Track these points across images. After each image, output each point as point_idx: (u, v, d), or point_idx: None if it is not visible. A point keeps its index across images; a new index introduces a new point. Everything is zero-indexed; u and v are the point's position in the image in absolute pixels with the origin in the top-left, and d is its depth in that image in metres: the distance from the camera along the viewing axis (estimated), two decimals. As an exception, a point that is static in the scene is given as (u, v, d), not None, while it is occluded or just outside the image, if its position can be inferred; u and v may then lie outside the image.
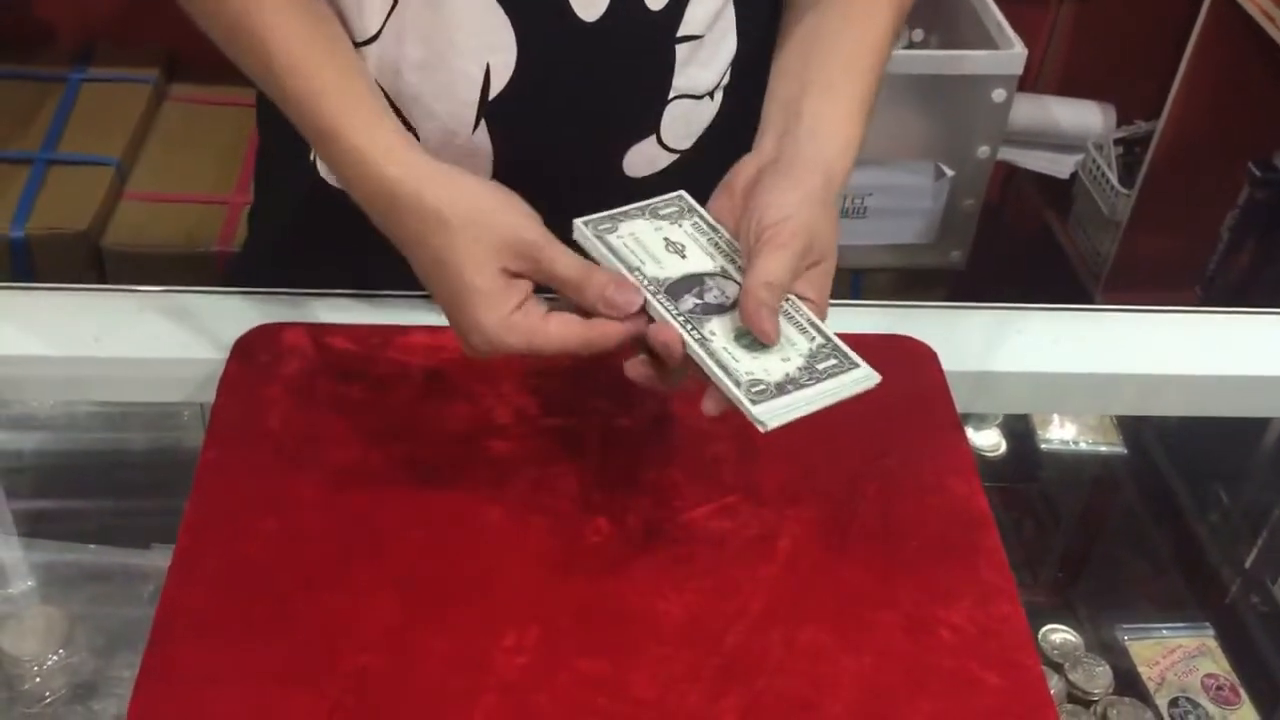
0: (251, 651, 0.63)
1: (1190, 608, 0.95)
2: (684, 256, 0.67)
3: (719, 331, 0.64)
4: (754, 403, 0.61)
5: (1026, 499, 1.02)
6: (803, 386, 0.62)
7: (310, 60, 0.69)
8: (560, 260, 0.65)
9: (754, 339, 0.63)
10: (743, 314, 0.63)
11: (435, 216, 0.65)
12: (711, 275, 0.66)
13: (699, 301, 0.65)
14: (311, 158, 0.83)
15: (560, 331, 0.65)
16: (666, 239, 0.68)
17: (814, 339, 0.64)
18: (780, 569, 0.68)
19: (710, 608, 0.66)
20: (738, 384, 0.61)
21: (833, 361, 0.63)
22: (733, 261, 0.67)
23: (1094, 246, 2.08)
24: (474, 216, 0.65)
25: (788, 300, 0.65)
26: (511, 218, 0.66)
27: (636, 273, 0.66)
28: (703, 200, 0.71)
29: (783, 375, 0.62)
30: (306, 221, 0.88)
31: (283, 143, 0.86)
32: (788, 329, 0.64)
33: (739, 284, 0.65)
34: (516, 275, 0.65)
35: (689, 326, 0.63)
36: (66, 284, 0.84)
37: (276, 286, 0.85)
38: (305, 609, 0.65)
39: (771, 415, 0.61)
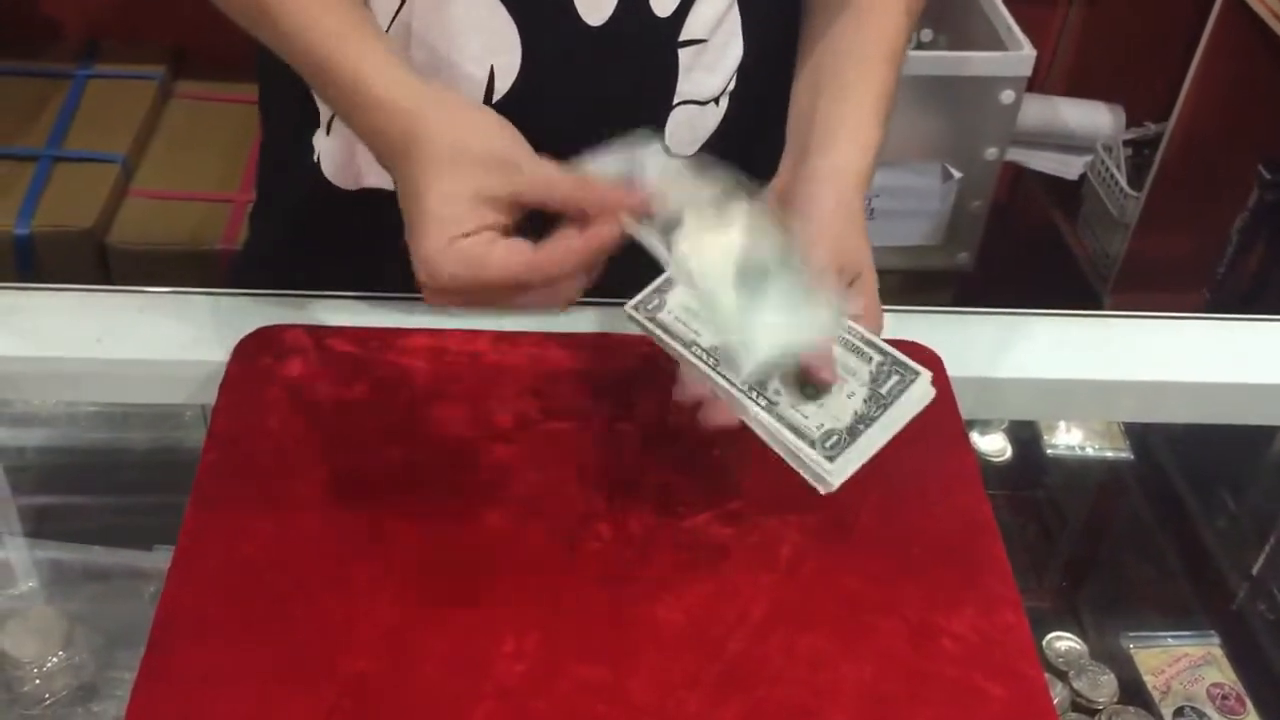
0: (250, 654, 0.63)
1: (1196, 615, 0.94)
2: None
3: (783, 387, 0.63)
4: (830, 459, 0.61)
5: (1031, 505, 1.02)
6: (872, 421, 0.62)
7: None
8: (544, 170, 0.62)
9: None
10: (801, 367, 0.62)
11: (422, 133, 0.63)
12: None
13: None
14: (315, 158, 0.82)
15: (503, 258, 0.60)
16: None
17: (871, 358, 0.63)
18: (782, 576, 0.68)
19: (711, 614, 0.66)
20: (813, 444, 0.61)
21: (895, 379, 0.63)
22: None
23: (1102, 248, 2.08)
24: (463, 136, 0.62)
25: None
26: (497, 138, 0.63)
27: (694, 348, 0.64)
28: None
29: (852, 415, 0.62)
30: (309, 221, 0.88)
31: (286, 142, 0.86)
32: (845, 357, 0.63)
33: None
34: (493, 201, 0.61)
35: (754, 395, 0.63)
36: (68, 284, 0.84)
37: (278, 287, 0.85)
38: (304, 612, 0.65)
39: (841, 472, 0.61)
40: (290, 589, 0.66)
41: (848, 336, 0.64)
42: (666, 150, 0.68)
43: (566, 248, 0.60)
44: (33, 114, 1.82)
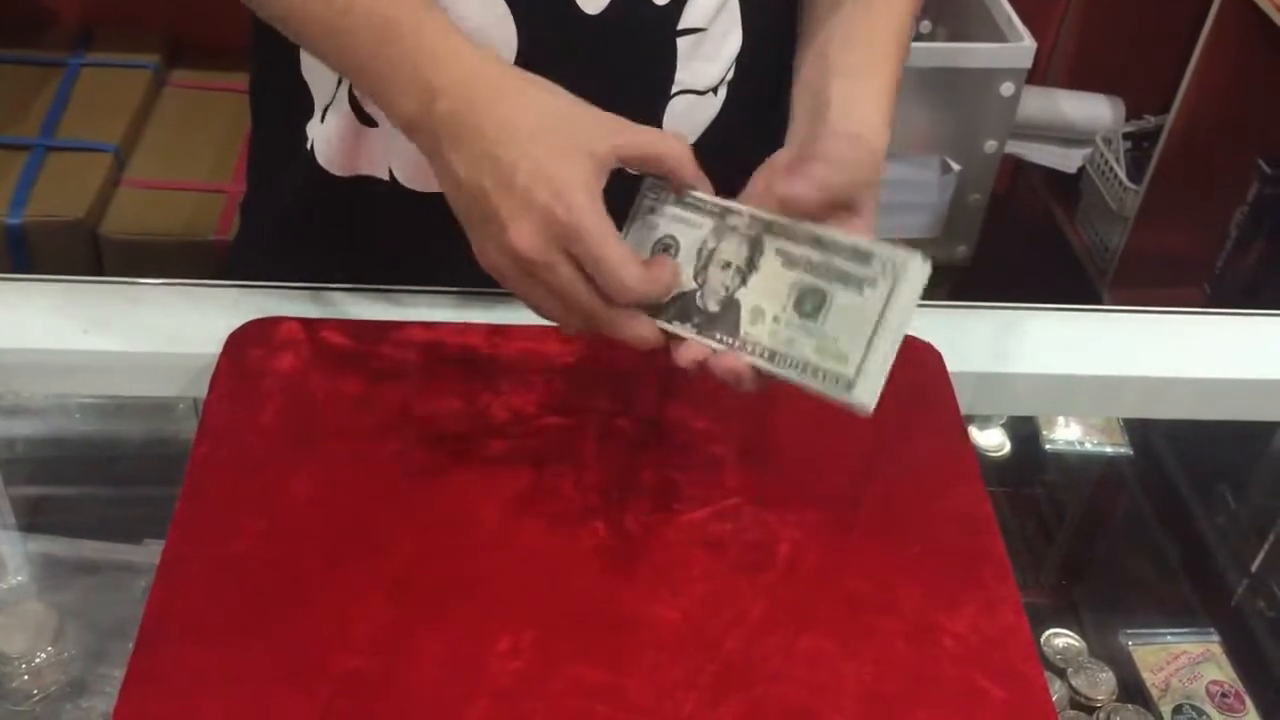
0: (241, 653, 0.62)
1: (1195, 613, 0.94)
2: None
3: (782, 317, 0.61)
4: (850, 388, 0.59)
5: (1030, 501, 1.01)
6: (882, 324, 0.59)
7: None
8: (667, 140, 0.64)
9: (806, 294, 0.61)
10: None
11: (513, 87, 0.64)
12: (726, 246, 0.64)
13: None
14: (309, 145, 0.81)
15: (621, 251, 0.60)
16: (663, 244, 0.66)
17: (859, 259, 0.60)
18: (780, 574, 0.67)
19: (709, 613, 0.65)
20: (836, 381, 0.59)
21: (888, 269, 0.60)
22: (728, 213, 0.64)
23: (1101, 242, 2.07)
24: (575, 126, 0.63)
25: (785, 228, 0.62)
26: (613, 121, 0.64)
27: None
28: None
29: (860, 323, 0.59)
30: (302, 211, 0.87)
31: (279, 130, 0.85)
32: (839, 265, 0.61)
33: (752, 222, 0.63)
34: (596, 156, 0.62)
35: (750, 348, 0.62)
36: (57, 275, 0.83)
37: (271, 278, 0.84)
38: (296, 610, 0.64)
39: (871, 394, 0.59)
40: (282, 586, 0.65)
41: (834, 241, 0.62)
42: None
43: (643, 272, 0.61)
44: (26, 102, 1.81)
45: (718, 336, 0.63)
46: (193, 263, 1.66)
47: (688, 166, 0.64)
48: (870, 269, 0.60)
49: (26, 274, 0.84)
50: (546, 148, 0.61)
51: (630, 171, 0.65)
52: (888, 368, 0.59)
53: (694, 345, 0.63)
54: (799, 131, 0.69)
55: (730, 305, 0.63)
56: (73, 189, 1.68)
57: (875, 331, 0.59)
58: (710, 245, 0.64)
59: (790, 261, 0.62)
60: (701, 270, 0.64)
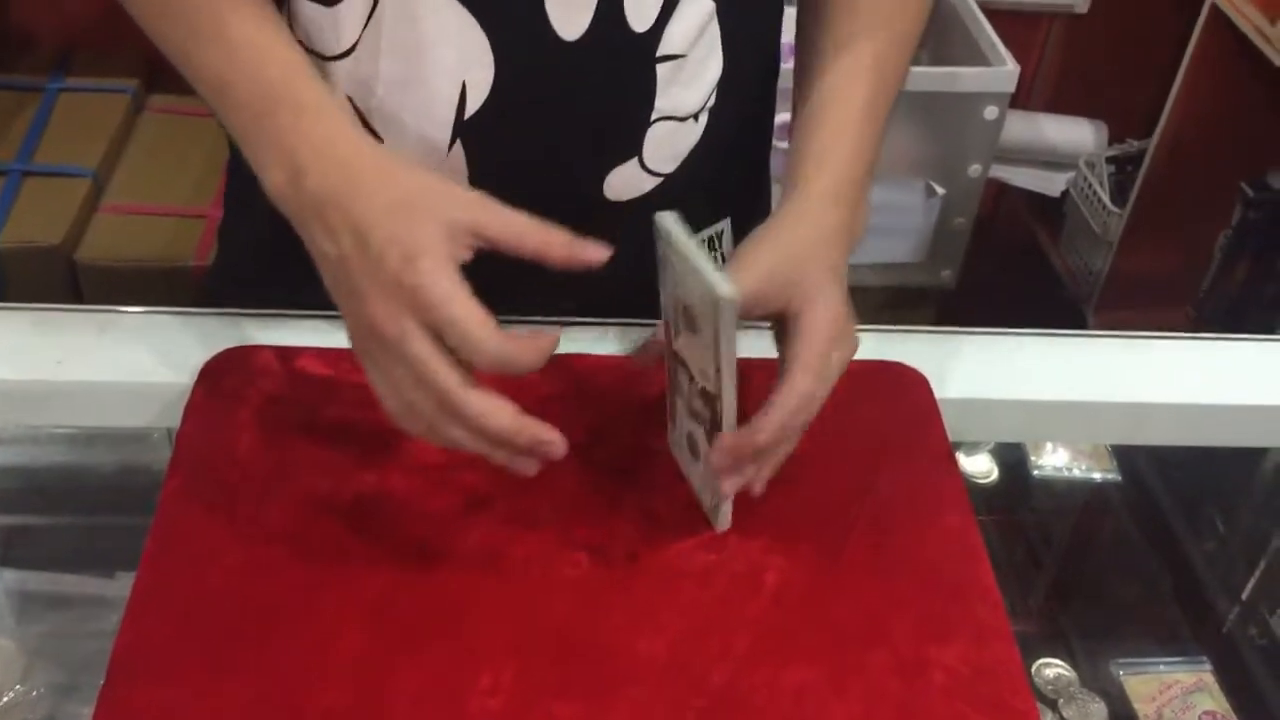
0: (213, 691, 0.60)
1: (1187, 641, 0.92)
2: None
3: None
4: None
5: (1018, 527, 1.00)
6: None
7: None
8: (525, 224, 0.61)
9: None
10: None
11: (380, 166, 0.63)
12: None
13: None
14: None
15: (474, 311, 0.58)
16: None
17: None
18: (767, 605, 0.66)
19: (694, 646, 0.64)
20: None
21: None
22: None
23: (1086, 265, 2.07)
24: (429, 200, 0.62)
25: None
26: (466, 194, 0.63)
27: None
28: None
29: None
30: (275, 238, 0.85)
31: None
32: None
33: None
34: (456, 228, 0.61)
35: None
36: (29, 303, 0.81)
37: (249, 305, 0.82)
38: (270, 646, 0.62)
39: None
40: (255, 621, 0.63)
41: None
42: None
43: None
44: (3, 127, 1.79)
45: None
46: (172, 289, 1.65)
47: (555, 252, 0.61)
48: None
49: (5, 303, 0.82)
50: (403, 217, 0.60)
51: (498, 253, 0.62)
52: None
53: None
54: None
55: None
56: (49, 215, 1.66)
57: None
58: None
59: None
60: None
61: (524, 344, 0.59)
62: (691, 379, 0.65)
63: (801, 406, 0.63)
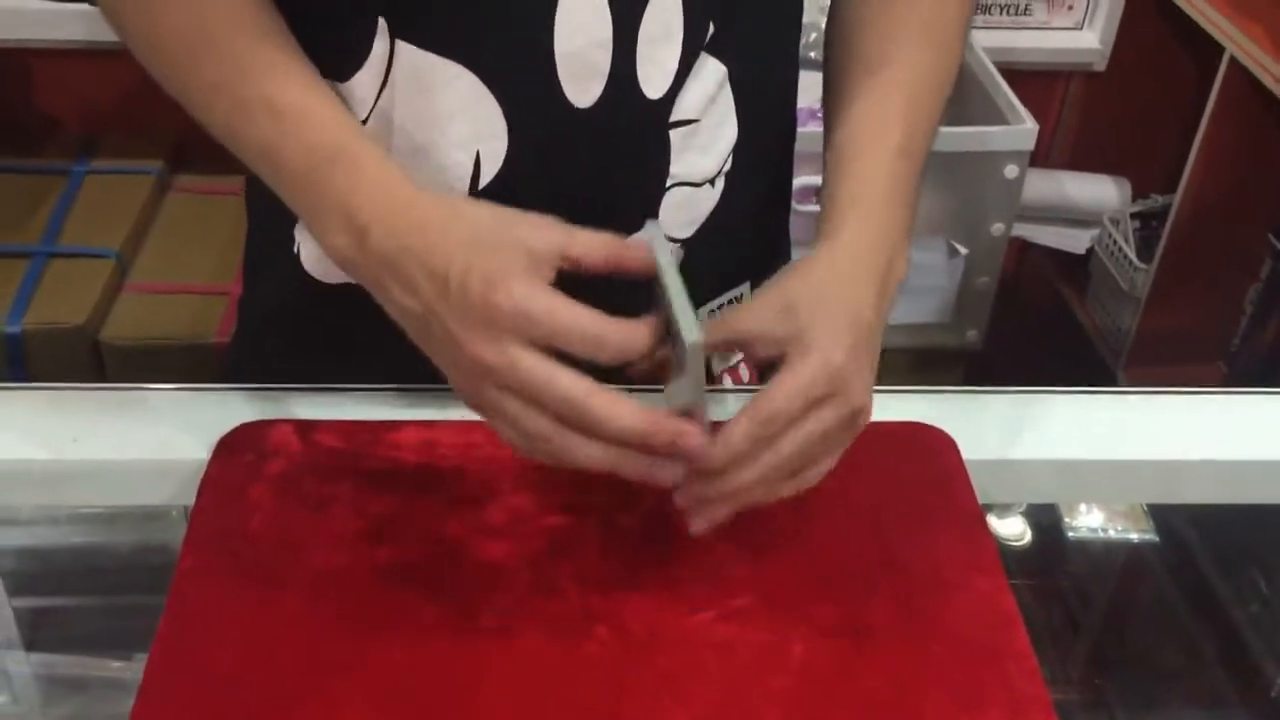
0: (226, 777, 0.59)
1: (1233, 706, 0.89)
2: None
3: None
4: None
5: (1054, 591, 0.97)
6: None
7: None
8: (589, 238, 0.61)
9: None
10: None
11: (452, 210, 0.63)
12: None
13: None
14: (295, 249, 0.80)
15: (576, 311, 0.58)
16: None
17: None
18: (793, 679, 0.64)
19: (719, 721, 0.62)
20: None
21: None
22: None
23: (1114, 322, 2.05)
24: (496, 233, 0.61)
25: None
26: (528, 226, 0.62)
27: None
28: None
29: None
30: (293, 313, 0.85)
31: (268, 232, 0.83)
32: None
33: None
34: (539, 257, 0.60)
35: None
36: (45, 383, 0.81)
37: (268, 379, 0.81)
38: (284, 730, 0.61)
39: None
40: (267, 705, 0.62)
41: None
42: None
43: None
44: (29, 210, 1.81)
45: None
46: (195, 366, 1.65)
47: (630, 256, 0.61)
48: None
49: (20, 383, 0.82)
50: (479, 249, 0.59)
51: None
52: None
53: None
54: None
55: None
56: (74, 295, 1.67)
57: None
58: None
59: None
60: None
61: (633, 326, 0.58)
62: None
63: (743, 445, 0.60)
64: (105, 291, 1.70)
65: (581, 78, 0.70)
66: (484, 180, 0.72)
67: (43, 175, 1.88)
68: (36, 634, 0.87)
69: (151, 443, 0.77)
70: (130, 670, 0.83)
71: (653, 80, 0.71)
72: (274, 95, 0.65)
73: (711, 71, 0.74)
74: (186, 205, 1.90)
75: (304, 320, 0.83)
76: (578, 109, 0.71)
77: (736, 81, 0.75)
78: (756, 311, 0.63)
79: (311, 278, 0.79)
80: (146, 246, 1.81)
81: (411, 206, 0.62)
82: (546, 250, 0.59)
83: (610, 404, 0.58)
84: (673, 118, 0.73)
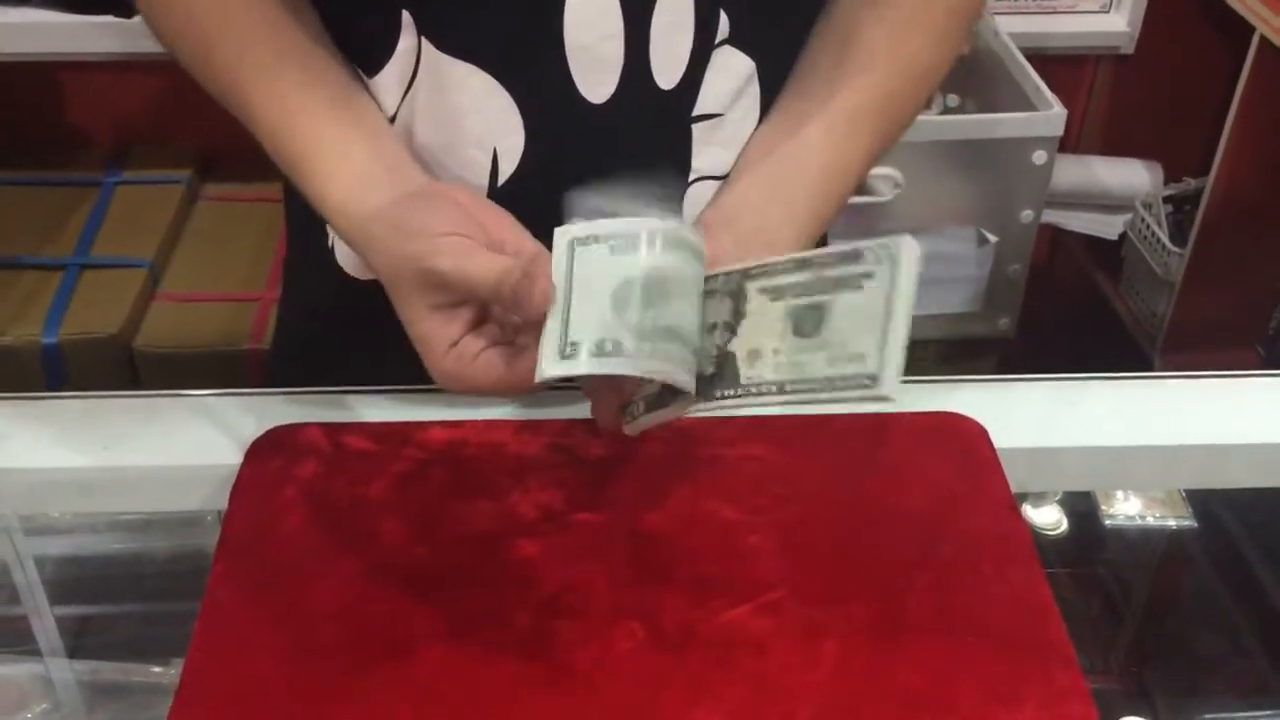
0: (263, 779, 0.59)
1: (1275, 694, 0.88)
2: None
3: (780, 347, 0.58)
4: (870, 384, 0.56)
5: (1092, 580, 0.96)
6: (891, 313, 0.56)
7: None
8: (475, 278, 0.60)
9: (801, 317, 0.58)
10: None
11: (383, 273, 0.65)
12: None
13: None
14: (330, 244, 0.80)
15: (486, 376, 0.61)
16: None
17: (837, 260, 0.57)
18: (828, 673, 0.63)
19: (753, 717, 0.61)
20: (859, 384, 0.56)
21: (871, 259, 0.57)
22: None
23: (1148, 308, 2.03)
24: (395, 265, 0.63)
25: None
26: (419, 247, 0.61)
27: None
28: None
29: (869, 319, 0.56)
30: (330, 313, 0.85)
31: (304, 232, 0.84)
32: (810, 277, 0.58)
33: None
34: (454, 305, 0.61)
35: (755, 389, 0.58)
36: (78, 392, 0.82)
37: (307, 381, 0.82)
38: (320, 732, 0.61)
39: (893, 385, 0.56)
40: (304, 707, 0.62)
41: (817, 255, 0.58)
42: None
43: (527, 366, 0.60)
44: (61, 223, 1.83)
45: (718, 394, 0.59)
46: (228, 372, 1.66)
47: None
48: (863, 265, 0.57)
49: (57, 392, 0.83)
50: (393, 278, 0.63)
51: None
52: (903, 356, 0.56)
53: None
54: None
55: (725, 360, 0.60)
56: (107, 306, 1.69)
57: (887, 322, 0.56)
58: None
59: (777, 294, 0.59)
60: None
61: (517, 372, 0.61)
62: None
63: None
64: (138, 301, 1.71)
65: (594, 71, 0.70)
66: (502, 177, 0.72)
67: (74, 188, 1.90)
68: (77, 640, 0.88)
69: (184, 448, 0.78)
70: (169, 675, 0.83)
71: (666, 70, 0.71)
72: (256, 108, 0.69)
73: (738, 66, 0.73)
74: (216, 214, 1.91)
75: (341, 316, 0.83)
76: (592, 103, 0.71)
77: (764, 76, 0.75)
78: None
79: (345, 273, 0.79)
80: (177, 255, 1.83)
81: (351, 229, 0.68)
82: (435, 274, 0.61)
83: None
84: (695, 111, 0.73)
